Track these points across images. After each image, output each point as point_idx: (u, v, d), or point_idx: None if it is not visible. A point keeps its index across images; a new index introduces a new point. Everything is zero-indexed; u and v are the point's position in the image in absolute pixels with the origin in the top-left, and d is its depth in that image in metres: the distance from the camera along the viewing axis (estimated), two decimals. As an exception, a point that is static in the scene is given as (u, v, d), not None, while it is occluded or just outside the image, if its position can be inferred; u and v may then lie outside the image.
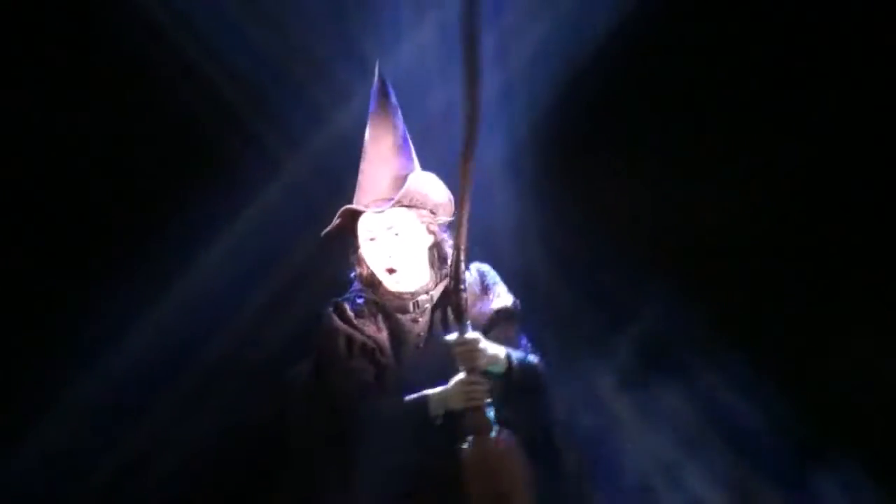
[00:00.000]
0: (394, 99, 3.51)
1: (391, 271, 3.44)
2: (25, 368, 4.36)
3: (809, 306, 4.61)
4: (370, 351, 3.39)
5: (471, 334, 3.27)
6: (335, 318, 3.43)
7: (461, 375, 3.25)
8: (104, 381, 4.37)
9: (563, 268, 4.49)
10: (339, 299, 3.48)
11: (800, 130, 4.57)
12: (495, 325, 3.44)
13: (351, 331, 3.41)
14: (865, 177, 4.60)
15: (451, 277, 3.31)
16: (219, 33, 4.36)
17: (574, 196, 4.54)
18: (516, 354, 3.37)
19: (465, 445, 3.20)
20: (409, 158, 3.50)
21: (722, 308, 4.57)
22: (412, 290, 3.49)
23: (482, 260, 3.56)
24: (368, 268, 3.49)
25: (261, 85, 4.40)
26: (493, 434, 3.21)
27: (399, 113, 3.52)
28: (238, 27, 4.37)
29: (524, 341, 3.48)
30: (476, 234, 3.65)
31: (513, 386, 3.34)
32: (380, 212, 3.41)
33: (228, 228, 4.37)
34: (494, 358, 3.31)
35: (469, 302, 3.37)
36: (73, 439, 4.40)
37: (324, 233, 3.49)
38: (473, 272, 3.53)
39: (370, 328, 3.43)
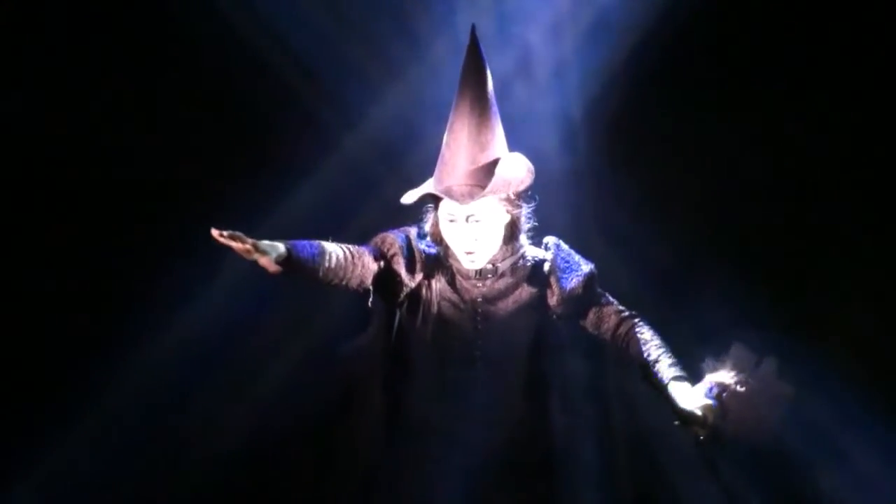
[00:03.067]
0: (487, 68, 3.47)
1: (468, 253, 3.48)
2: (86, 346, 4.38)
3: (876, 292, 4.57)
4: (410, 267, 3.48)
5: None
6: (401, 232, 3.51)
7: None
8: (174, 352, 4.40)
9: (621, 247, 4.47)
10: (413, 231, 3.54)
11: (871, 108, 4.52)
12: (586, 291, 3.55)
13: (414, 250, 3.49)
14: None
15: None
16: (274, 12, 4.35)
17: (631, 175, 4.50)
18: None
19: None
20: (495, 135, 3.47)
21: (782, 291, 4.54)
22: (482, 266, 3.52)
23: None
24: (441, 235, 3.51)
25: (317, 63, 4.38)
26: None
27: (490, 83, 3.48)
28: (293, 5, 4.36)
29: (606, 296, 3.60)
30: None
31: None
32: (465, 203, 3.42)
33: (286, 206, 4.35)
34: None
35: (557, 275, 3.53)
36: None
37: (404, 201, 3.48)
38: (552, 247, 3.62)
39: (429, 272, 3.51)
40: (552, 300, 3.54)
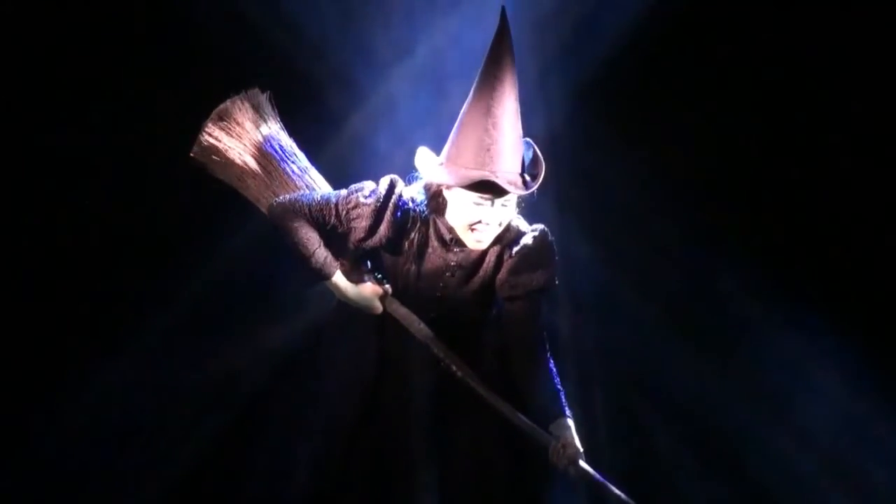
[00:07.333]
0: (513, 50, 3.44)
1: (477, 233, 3.47)
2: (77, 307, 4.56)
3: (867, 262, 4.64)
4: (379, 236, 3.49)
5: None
6: (395, 192, 3.50)
7: None
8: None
9: (626, 221, 4.55)
10: (407, 186, 3.53)
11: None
12: (533, 295, 3.53)
13: (385, 213, 3.48)
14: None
15: None
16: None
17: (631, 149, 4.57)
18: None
19: None
20: (520, 119, 3.48)
21: (783, 259, 4.60)
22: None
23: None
24: (442, 202, 3.49)
25: (345, 17, 4.44)
26: None
27: (515, 65, 3.47)
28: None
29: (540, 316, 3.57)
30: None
31: None
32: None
33: (313, 160, 4.41)
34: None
35: (520, 255, 3.50)
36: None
37: (439, 181, 3.46)
38: (537, 236, 3.57)
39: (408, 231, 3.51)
40: (499, 277, 3.55)
